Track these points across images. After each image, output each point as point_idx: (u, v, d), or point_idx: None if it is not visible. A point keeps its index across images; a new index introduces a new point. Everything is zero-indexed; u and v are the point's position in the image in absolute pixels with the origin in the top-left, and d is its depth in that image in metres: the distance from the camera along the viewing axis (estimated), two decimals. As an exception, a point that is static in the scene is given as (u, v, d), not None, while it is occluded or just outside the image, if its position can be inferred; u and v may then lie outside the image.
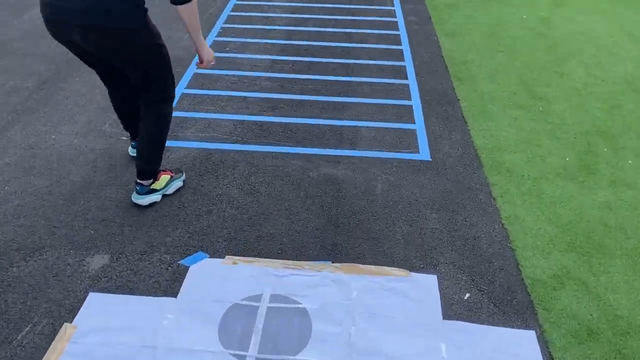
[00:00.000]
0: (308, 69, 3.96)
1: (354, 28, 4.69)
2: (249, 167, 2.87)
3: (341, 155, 3.00)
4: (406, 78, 3.88)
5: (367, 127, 3.27)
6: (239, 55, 4.12)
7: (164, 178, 2.64)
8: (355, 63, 4.07)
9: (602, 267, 2.34)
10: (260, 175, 2.81)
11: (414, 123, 3.33)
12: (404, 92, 3.69)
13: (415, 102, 3.57)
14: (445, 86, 3.79)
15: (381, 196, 2.70)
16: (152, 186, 2.59)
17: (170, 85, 2.48)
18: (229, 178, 2.78)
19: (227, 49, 4.23)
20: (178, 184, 2.69)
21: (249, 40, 4.37)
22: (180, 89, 3.62)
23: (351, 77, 3.87)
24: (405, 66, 4.06)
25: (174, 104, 2.57)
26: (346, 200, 2.66)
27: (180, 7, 2.26)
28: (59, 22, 2.22)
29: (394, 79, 3.86)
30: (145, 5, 2.25)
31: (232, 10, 4.96)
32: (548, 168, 2.96)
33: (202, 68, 2.53)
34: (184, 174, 2.75)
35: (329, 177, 2.82)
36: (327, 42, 4.41)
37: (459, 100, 3.62)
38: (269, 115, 3.36)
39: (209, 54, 2.48)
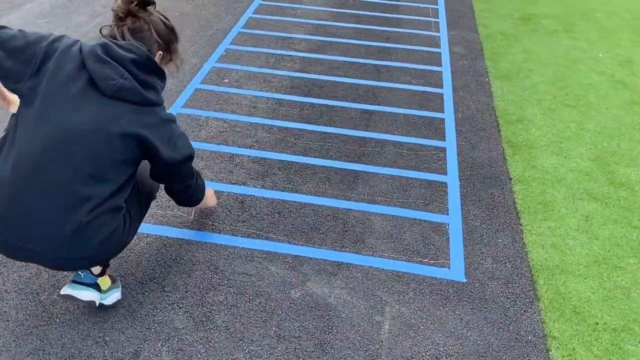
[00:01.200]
0: (319, 117, 3.14)
1: (386, 60, 3.84)
2: (209, 275, 2.09)
3: (341, 262, 2.18)
4: (443, 138, 3.02)
5: (382, 215, 2.44)
6: (237, 91, 3.33)
7: (107, 280, 1.90)
8: (381, 111, 3.23)
9: None
10: (222, 292, 2.02)
11: (447, 213, 2.48)
12: (438, 160, 2.83)
13: (452, 178, 2.71)
14: (494, 155, 2.91)
15: (387, 345, 1.87)
16: (99, 281, 1.85)
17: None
18: (179, 293, 2.01)
19: (226, 80, 3.45)
20: (117, 295, 1.93)
21: (255, 70, 3.58)
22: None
23: (372, 132, 3.03)
24: (444, 120, 3.19)
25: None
26: (335, 350, 1.84)
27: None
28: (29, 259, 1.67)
29: (427, 138, 3.00)
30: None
31: (244, 27, 4.18)
32: (633, 311, 2.07)
33: None
34: (120, 286, 2.00)
35: (317, 302, 2.01)
36: (350, 77, 3.57)
37: (511, 179, 2.74)
38: (255, 187, 2.56)
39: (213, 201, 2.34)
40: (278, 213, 2.41)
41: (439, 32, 4.34)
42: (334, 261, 2.19)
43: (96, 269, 1.83)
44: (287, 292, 2.04)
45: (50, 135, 1.52)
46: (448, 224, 2.42)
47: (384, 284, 2.10)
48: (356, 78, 3.57)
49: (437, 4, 4.86)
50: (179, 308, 1.95)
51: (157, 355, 1.78)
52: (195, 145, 2.79)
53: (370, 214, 2.44)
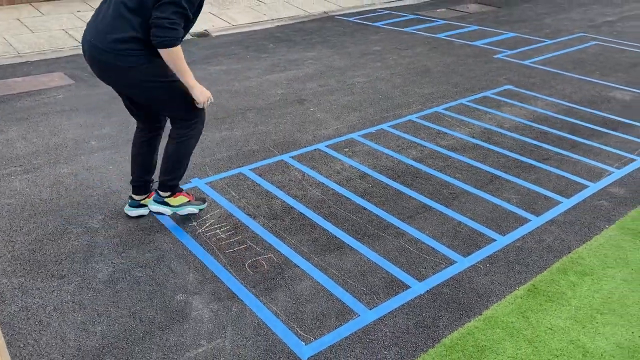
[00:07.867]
0: (380, 198, 3.17)
1: (515, 175, 3.43)
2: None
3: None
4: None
5: None
6: (344, 160, 3.66)
7: (181, 198, 2.77)
8: (434, 211, 3.02)
9: None
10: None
11: None
12: None
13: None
14: None
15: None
16: (167, 199, 2.74)
17: (192, 116, 2.57)
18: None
19: (346, 150, 3.81)
20: (192, 209, 2.78)
21: (378, 149, 3.80)
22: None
23: (393, 218, 2.90)
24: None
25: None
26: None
27: (162, 51, 2.30)
28: (85, 55, 2.48)
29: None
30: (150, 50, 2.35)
31: (447, 109, 4.38)
32: None
33: (201, 107, 2.54)
34: (205, 204, 2.85)
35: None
36: (454, 178, 3.40)
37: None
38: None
39: (202, 94, 2.46)
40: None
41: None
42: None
43: (164, 194, 2.71)
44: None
45: None
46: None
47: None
48: (460, 180, 3.39)
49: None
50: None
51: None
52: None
53: None
